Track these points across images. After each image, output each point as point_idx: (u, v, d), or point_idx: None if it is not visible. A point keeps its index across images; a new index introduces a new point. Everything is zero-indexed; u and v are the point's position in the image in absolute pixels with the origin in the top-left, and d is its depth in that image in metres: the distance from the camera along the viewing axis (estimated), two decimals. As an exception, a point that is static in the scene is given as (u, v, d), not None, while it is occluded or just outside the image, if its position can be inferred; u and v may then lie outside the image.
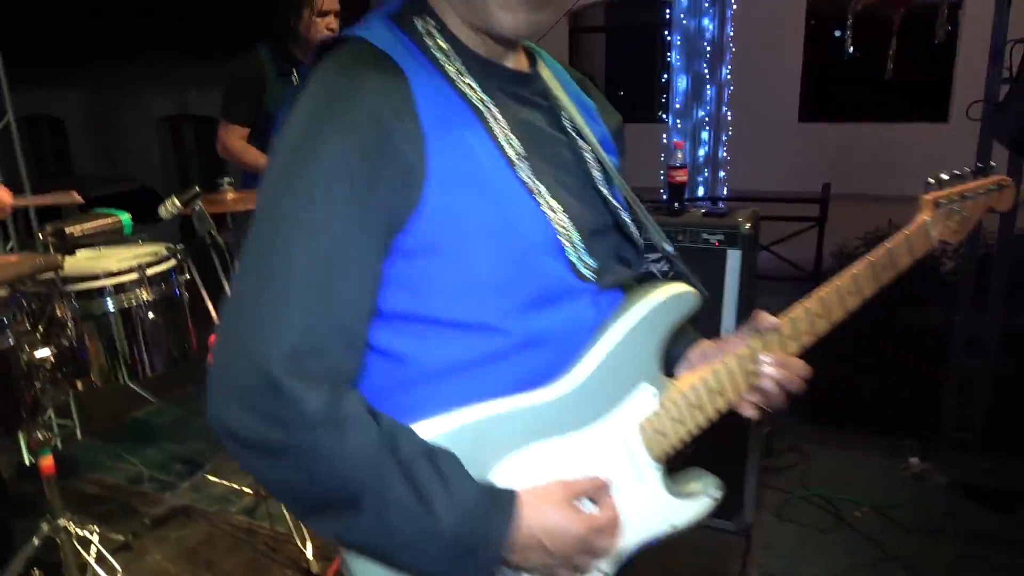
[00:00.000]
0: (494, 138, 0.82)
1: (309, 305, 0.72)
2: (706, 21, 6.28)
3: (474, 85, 0.83)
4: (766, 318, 0.94)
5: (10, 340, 1.77)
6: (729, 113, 6.74)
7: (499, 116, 0.83)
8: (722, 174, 6.84)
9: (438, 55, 0.82)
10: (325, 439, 0.72)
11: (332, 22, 2.66)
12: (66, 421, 3.43)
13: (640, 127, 8.48)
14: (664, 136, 6.70)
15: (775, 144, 8.46)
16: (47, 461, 2.05)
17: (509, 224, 0.80)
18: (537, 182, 0.83)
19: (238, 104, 2.72)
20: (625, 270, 0.96)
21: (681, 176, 2.30)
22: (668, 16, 6.43)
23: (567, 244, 0.84)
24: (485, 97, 0.83)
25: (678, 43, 6.40)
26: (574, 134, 0.94)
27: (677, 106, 6.54)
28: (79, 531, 2.18)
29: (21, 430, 2.04)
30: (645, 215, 0.99)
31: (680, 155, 2.30)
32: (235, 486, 2.84)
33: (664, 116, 6.78)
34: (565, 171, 0.90)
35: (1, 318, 1.74)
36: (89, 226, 1.71)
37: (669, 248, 0.99)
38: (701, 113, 6.53)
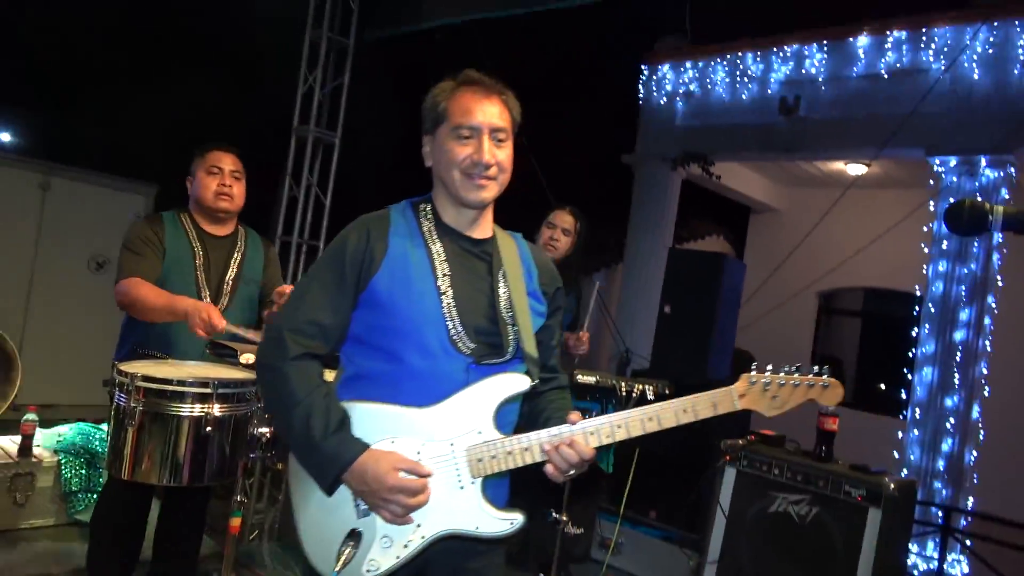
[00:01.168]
0: (431, 262, 1.58)
1: (304, 311, 1.56)
2: (962, 316, 6.00)
3: (434, 235, 1.62)
4: (577, 416, 1.51)
5: (247, 411, 2.36)
6: (981, 419, 6.14)
7: (441, 252, 1.60)
8: (968, 484, 6.10)
9: (423, 220, 1.65)
10: (289, 370, 1.51)
11: None
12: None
13: (881, 420, 7.88)
14: (900, 432, 6.24)
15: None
16: (235, 521, 2.53)
17: (415, 303, 1.54)
18: (448, 288, 1.56)
19: None
20: (496, 360, 1.57)
21: (831, 424, 2.35)
22: (919, 310, 6.28)
23: (450, 324, 1.54)
24: (436, 242, 1.61)
25: (926, 338, 6.16)
26: (499, 277, 1.62)
27: (919, 403, 6.12)
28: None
29: (232, 485, 2.57)
30: (527, 335, 1.61)
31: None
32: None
33: (905, 413, 6.34)
34: (479, 293, 1.60)
35: (246, 392, 2.35)
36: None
37: (534, 354, 1.60)
38: (947, 413, 6.02)
